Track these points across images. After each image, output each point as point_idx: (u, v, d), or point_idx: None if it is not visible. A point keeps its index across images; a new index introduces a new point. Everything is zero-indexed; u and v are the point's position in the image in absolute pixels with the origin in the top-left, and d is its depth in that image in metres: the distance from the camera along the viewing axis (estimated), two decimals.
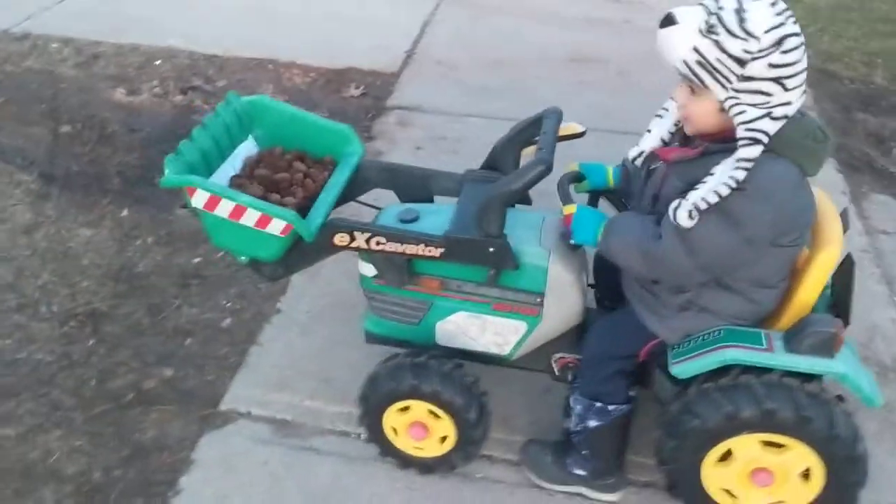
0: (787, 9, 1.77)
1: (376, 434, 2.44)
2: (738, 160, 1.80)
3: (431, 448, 2.41)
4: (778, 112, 1.80)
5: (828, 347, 1.99)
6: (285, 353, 2.88)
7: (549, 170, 2.06)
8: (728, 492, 2.22)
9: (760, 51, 1.73)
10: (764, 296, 2.07)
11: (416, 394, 2.30)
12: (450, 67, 4.93)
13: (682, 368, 2.08)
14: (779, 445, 2.10)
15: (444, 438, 2.39)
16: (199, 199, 2.20)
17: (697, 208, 1.84)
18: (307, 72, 4.85)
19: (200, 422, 2.64)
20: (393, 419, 2.38)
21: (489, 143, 2.49)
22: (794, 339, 2.01)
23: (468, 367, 2.37)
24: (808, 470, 2.12)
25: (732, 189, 1.80)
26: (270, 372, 2.81)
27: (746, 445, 2.11)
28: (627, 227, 2.05)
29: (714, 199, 1.81)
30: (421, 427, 2.36)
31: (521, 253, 2.20)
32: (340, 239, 2.25)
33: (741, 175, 1.79)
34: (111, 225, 3.55)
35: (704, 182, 1.86)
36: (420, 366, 2.29)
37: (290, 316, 3.05)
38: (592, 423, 2.27)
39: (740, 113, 1.80)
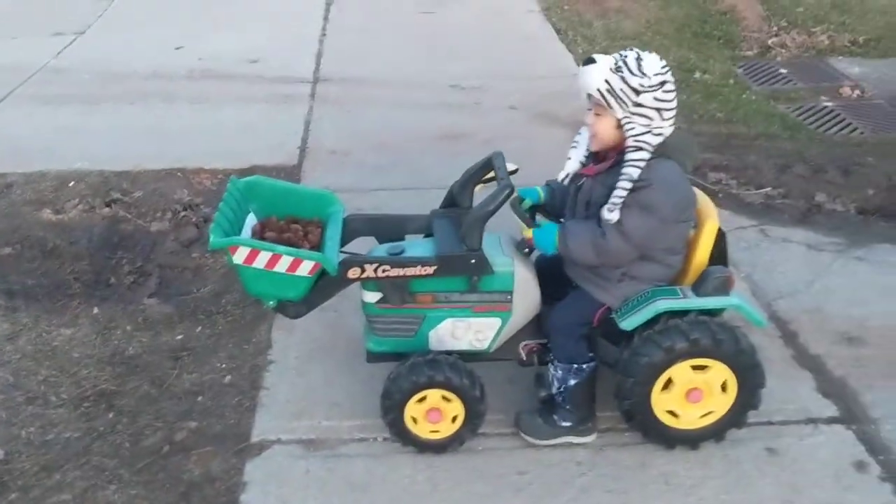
0: (667, 64, 2.64)
1: (398, 426, 3.01)
2: (629, 161, 2.63)
3: (445, 429, 3.02)
4: (656, 131, 2.65)
5: (725, 288, 2.82)
6: (291, 391, 3.40)
7: (512, 192, 2.80)
8: (671, 413, 2.97)
9: (650, 86, 2.58)
10: (674, 260, 2.89)
11: (432, 383, 2.92)
12: (342, 154, 5.62)
13: (629, 321, 2.84)
14: (703, 368, 2.89)
15: (454, 418, 3.00)
16: (240, 255, 2.78)
17: (615, 204, 2.63)
18: (215, 174, 5.35)
19: (238, 454, 3.11)
20: (412, 409, 2.97)
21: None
22: (700, 287, 2.84)
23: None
24: (725, 383, 2.92)
25: (635, 182, 2.61)
26: (285, 406, 3.32)
27: (681, 371, 2.88)
28: (579, 232, 2.81)
29: (623, 194, 2.63)
30: (436, 411, 2.97)
31: (492, 262, 2.90)
32: (354, 272, 2.87)
33: (635, 173, 2.62)
34: (87, 322, 3.92)
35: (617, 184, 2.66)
36: (431, 361, 2.93)
37: (283, 364, 3.58)
38: (572, 382, 2.98)
39: (631, 128, 2.64)
